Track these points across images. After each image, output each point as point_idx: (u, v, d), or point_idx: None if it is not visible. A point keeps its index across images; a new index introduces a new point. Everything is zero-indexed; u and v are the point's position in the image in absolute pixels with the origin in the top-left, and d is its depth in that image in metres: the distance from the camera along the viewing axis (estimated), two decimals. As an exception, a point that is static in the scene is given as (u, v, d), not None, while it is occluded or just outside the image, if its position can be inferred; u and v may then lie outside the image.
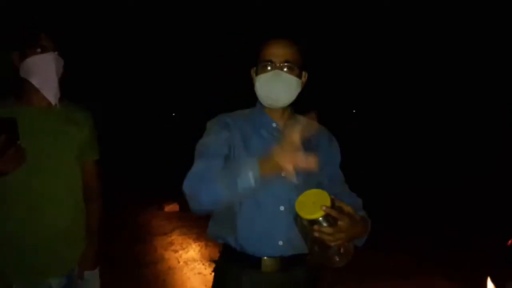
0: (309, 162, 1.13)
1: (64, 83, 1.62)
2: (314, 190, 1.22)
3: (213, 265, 3.81)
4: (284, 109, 1.46)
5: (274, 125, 1.46)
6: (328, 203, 1.16)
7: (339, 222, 1.17)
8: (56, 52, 1.56)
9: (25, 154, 1.44)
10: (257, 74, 1.42)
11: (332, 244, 1.17)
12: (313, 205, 1.17)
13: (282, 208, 1.38)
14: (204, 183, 1.23)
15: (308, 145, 1.45)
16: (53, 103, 1.59)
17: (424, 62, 13.11)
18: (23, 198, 1.54)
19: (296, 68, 1.39)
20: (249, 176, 1.16)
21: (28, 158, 1.46)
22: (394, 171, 8.88)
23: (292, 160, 1.14)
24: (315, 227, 1.16)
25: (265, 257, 1.38)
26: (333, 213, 1.16)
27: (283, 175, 1.33)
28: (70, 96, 1.71)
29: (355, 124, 14.82)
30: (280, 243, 1.38)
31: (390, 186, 7.27)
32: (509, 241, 2.21)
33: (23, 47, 1.54)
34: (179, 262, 4.00)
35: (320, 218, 1.16)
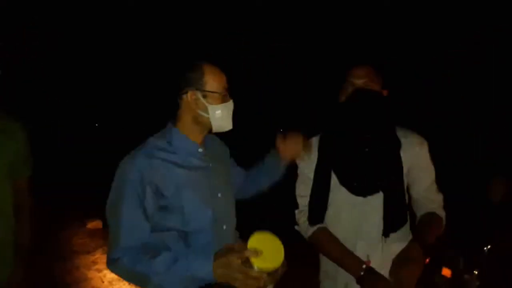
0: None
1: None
2: (253, 239, 1.11)
3: (138, 286, 3.75)
4: None
5: (200, 150, 1.42)
6: (276, 238, 1.14)
7: None
8: None
9: None
10: (211, 102, 1.35)
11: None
12: (268, 252, 1.09)
13: (224, 227, 1.39)
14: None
15: (216, 159, 1.49)
16: None
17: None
18: None
19: None
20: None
21: None
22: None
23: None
24: (280, 269, 1.13)
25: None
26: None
27: (219, 196, 1.40)
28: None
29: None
30: None
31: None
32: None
33: None
34: (103, 282, 3.85)
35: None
